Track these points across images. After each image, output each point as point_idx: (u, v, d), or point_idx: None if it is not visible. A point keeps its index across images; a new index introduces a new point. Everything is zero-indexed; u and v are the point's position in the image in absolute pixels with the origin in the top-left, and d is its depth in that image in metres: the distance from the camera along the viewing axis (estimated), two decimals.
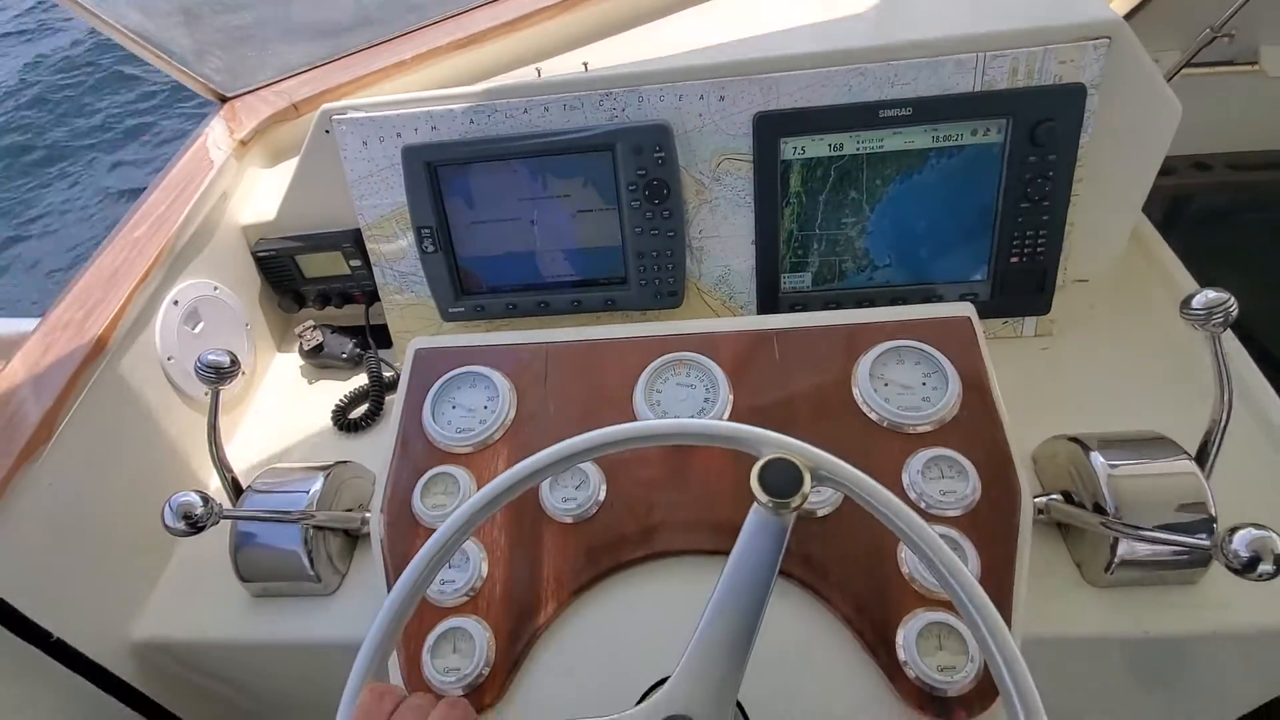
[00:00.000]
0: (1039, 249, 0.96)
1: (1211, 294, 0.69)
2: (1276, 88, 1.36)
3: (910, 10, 1.02)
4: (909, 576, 0.69)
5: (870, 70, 0.90)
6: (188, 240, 1.01)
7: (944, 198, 0.96)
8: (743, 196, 0.98)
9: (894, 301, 1.00)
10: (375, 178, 1.00)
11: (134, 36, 1.11)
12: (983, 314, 0.83)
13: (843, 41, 0.92)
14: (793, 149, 0.94)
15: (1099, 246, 1.01)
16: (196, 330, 1.02)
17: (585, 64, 0.98)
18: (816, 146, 0.94)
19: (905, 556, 0.70)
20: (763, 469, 0.51)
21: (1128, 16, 1.15)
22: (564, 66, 1.14)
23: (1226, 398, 0.70)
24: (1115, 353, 0.98)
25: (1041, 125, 0.89)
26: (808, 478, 0.50)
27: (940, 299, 1.00)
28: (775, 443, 0.52)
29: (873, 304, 1.01)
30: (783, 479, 0.50)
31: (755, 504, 0.51)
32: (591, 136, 0.93)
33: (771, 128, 0.93)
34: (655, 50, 1.10)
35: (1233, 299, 0.70)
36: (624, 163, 0.94)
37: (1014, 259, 0.97)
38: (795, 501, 0.49)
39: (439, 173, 0.97)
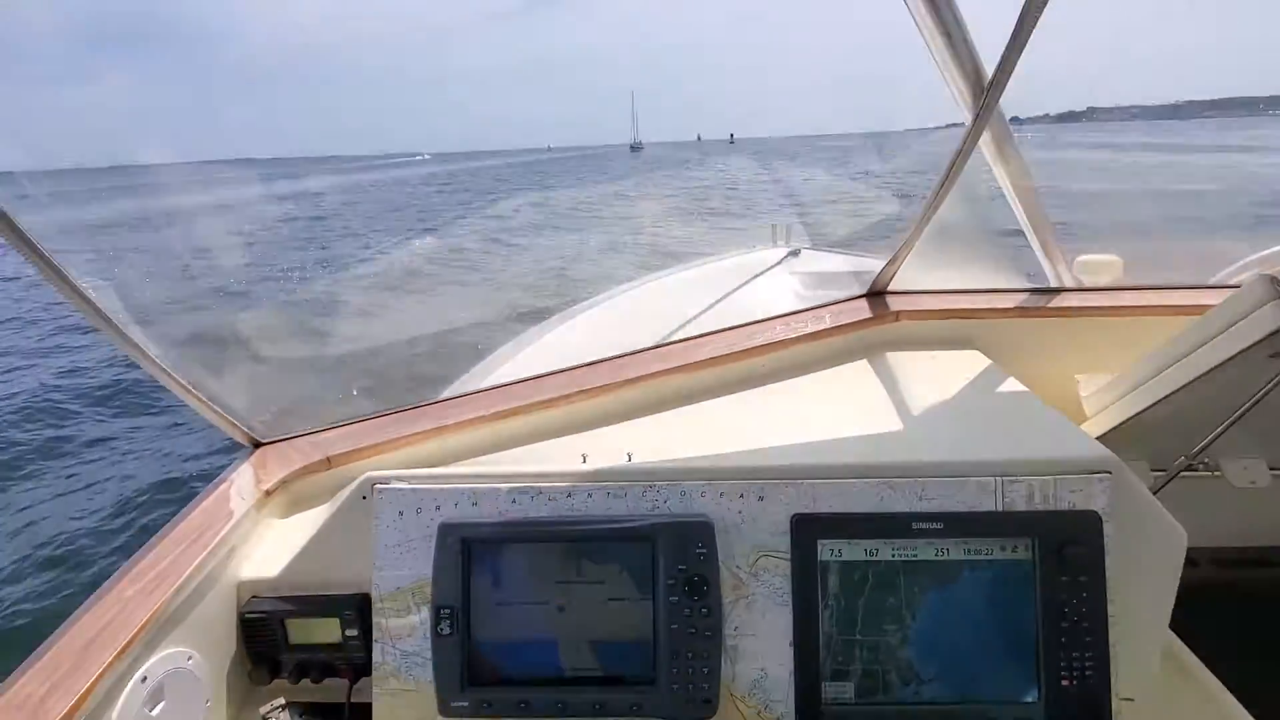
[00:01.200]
0: (1088, 672, 0.92)
1: None
2: (1238, 493, 1.48)
3: (933, 428, 1.13)
4: None
5: (899, 485, 0.96)
6: (180, 604, 0.93)
7: (983, 610, 0.94)
8: (780, 595, 0.95)
9: None
10: (402, 548, 0.97)
11: (167, 369, 1.09)
12: None
13: (874, 455, 1.00)
14: (830, 551, 0.95)
15: (1137, 664, 0.98)
16: (155, 712, 0.87)
17: (630, 454, 1.04)
18: (853, 550, 0.95)
19: None
20: None
21: (1100, 438, 1.29)
22: (604, 445, 1.20)
23: None
24: None
25: (1068, 548, 0.93)
26: None
27: None
28: None
29: None
30: None
31: None
32: (635, 527, 0.94)
33: (809, 529, 0.95)
34: (694, 437, 1.18)
35: None
36: (665, 555, 0.93)
37: (1065, 681, 0.92)
38: None
39: (472, 550, 0.95)
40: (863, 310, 1.49)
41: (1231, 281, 1.70)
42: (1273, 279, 0.97)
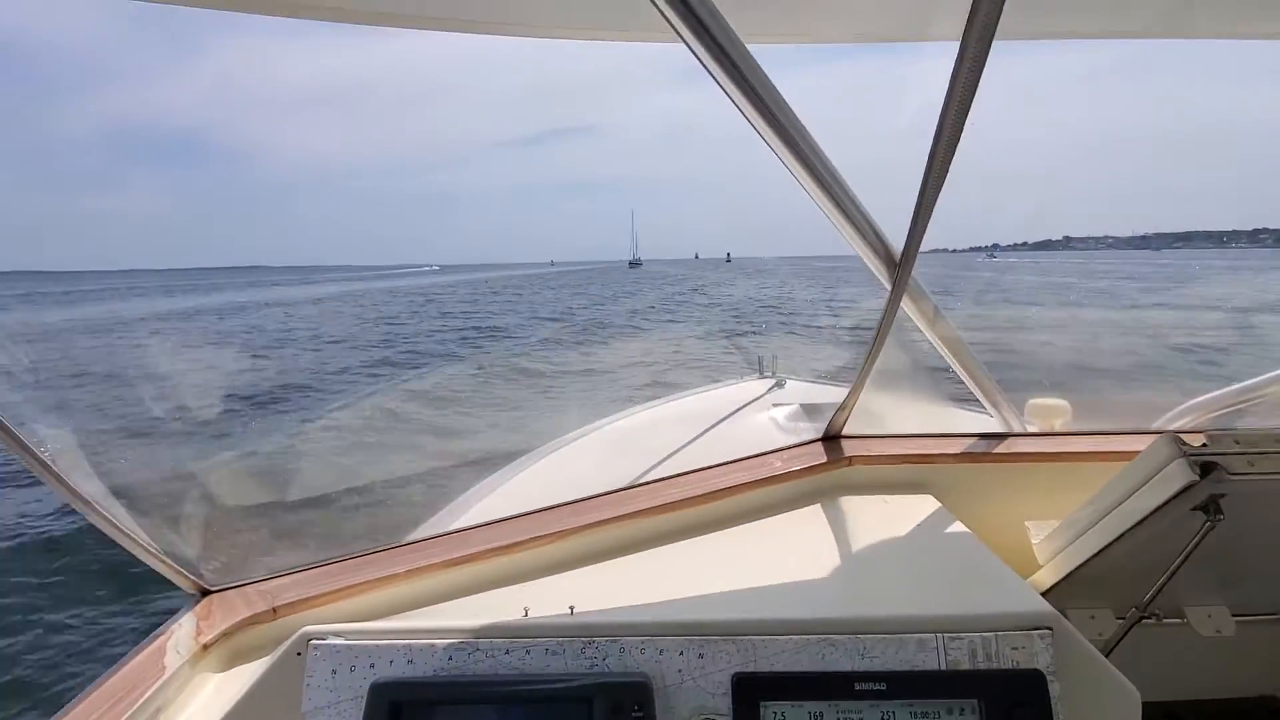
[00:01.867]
0: None
1: None
2: (1209, 642, 1.45)
3: (877, 579, 1.13)
4: None
5: (840, 642, 0.95)
6: None
7: None
8: None
9: None
10: (332, 710, 0.94)
11: (108, 515, 1.06)
12: None
13: (816, 609, 1.00)
14: (774, 714, 0.93)
15: None
16: None
17: (571, 607, 1.03)
18: (797, 714, 0.93)
19: None
20: None
21: (1054, 587, 1.28)
22: (550, 594, 1.19)
23: None
24: None
25: (1016, 710, 0.91)
26: None
27: None
28: None
29: None
30: None
31: None
32: (571, 688, 0.92)
33: (751, 690, 0.93)
34: (642, 586, 1.18)
35: None
36: (601, 719, 0.90)
37: None
38: None
39: (403, 712, 0.92)
40: (818, 454, 1.53)
41: (1170, 427, 1.76)
42: (1176, 437, 1.02)
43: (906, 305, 1.38)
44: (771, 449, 1.56)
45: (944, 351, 1.55)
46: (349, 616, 1.20)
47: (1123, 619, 1.35)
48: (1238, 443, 1.01)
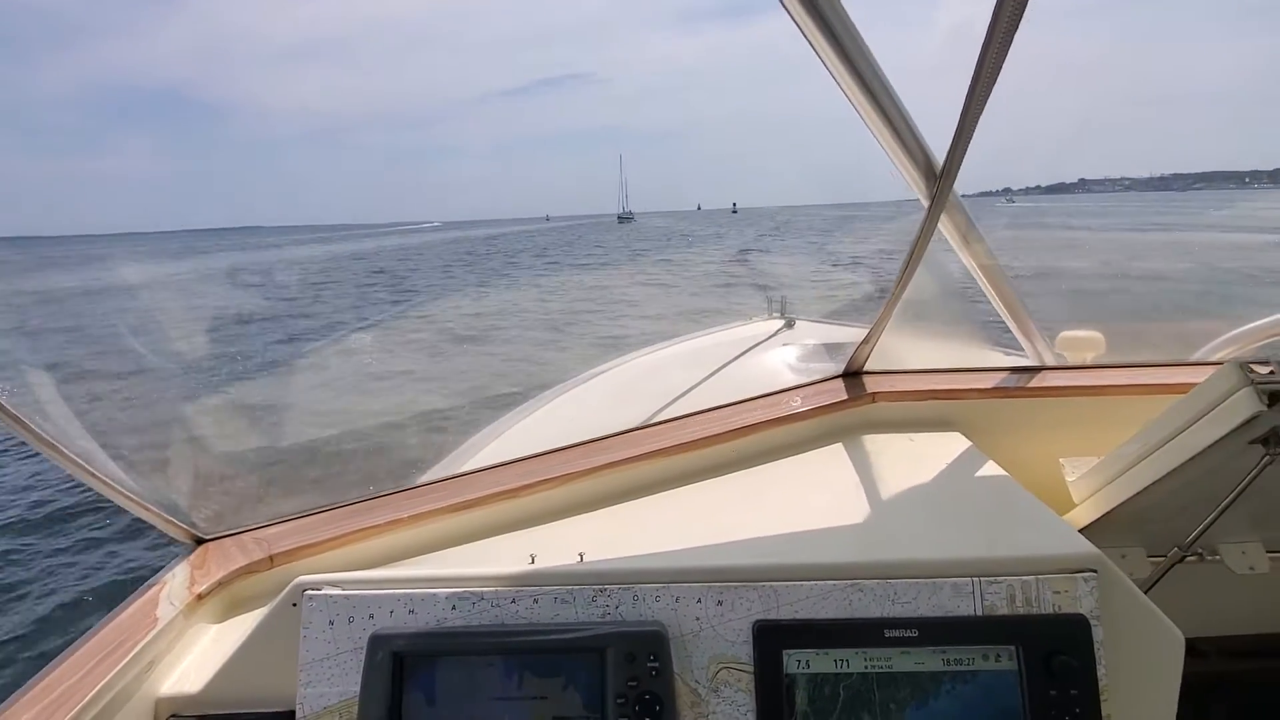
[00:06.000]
0: None
1: None
2: (1241, 579, 1.40)
3: (907, 520, 1.06)
4: None
5: (869, 587, 0.89)
6: None
7: None
8: (743, 711, 0.87)
9: None
10: (331, 661, 0.89)
11: (95, 471, 1.01)
12: None
13: (842, 553, 0.93)
14: (797, 662, 0.87)
15: None
16: None
17: (581, 554, 0.97)
18: (822, 661, 0.87)
19: None
20: None
21: (1089, 526, 1.22)
22: (559, 539, 1.13)
23: None
24: None
25: (1056, 658, 0.85)
26: None
27: None
28: None
29: None
30: None
31: None
32: (582, 638, 0.87)
33: (773, 638, 0.88)
34: (656, 530, 1.11)
35: None
36: (614, 671, 0.85)
37: None
38: None
39: (405, 663, 0.87)
40: (838, 391, 1.45)
41: (1211, 359, 1.67)
42: (1243, 365, 0.93)
43: (942, 223, 1.26)
44: (789, 386, 1.48)
45: (978, 275, 1.45)
46: (349, 564, 1.15)
47: (1155, 557, 1.29)
48: None
